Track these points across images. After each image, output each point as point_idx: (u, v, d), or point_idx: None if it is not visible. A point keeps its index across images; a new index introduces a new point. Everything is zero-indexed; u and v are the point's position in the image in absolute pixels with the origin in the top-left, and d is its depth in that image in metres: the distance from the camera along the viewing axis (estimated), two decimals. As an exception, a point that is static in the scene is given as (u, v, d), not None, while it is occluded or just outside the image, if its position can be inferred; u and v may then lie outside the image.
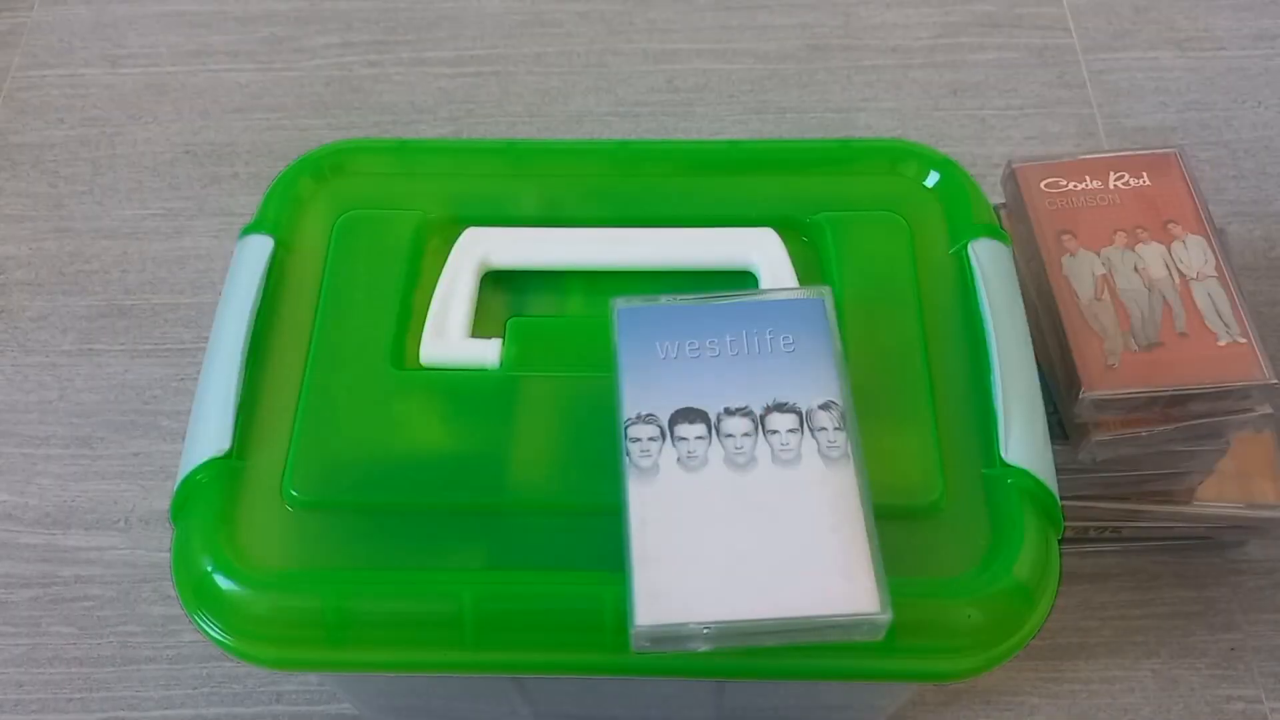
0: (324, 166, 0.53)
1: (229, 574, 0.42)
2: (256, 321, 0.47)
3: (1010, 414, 0.45)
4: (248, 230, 0.50)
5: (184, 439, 0.46)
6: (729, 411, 0.41)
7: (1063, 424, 0.54)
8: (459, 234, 0.50)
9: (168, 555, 0.44)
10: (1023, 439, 0.44)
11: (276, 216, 0.51)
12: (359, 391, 0.46)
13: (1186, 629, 0.62)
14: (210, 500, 0.43)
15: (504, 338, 0.47)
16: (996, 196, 0.59)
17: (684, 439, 0.41)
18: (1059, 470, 0.45)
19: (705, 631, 0.38)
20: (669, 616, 0.38)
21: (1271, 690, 0.61)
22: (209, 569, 0.42)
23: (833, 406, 0.41)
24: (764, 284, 0.48)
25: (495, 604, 0.42)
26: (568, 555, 0.42)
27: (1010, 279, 0.49)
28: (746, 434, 0.41)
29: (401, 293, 0.49)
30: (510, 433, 0.45)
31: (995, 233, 0.50)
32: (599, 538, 0.43)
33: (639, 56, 0.86)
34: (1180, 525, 0.61)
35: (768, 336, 0.43)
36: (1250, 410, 0.53)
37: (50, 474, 0.69)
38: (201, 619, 0.42)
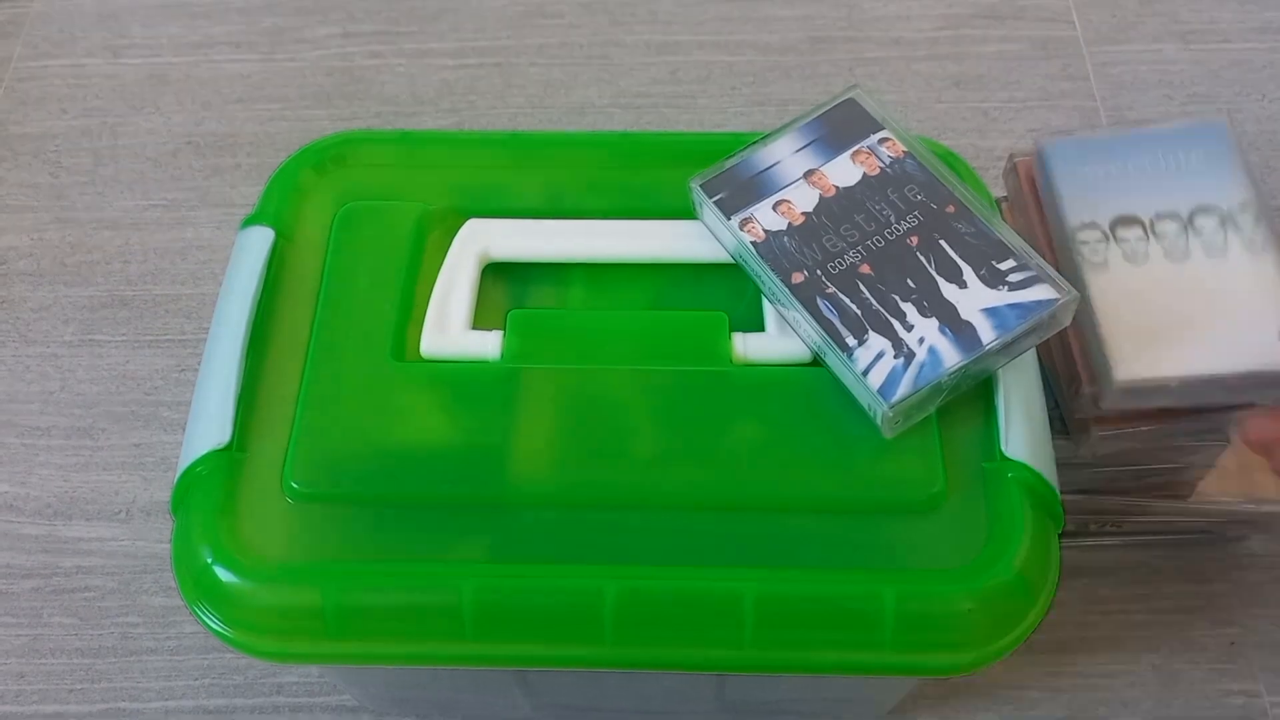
0: (325, 158, 0.53)
1: (229, 566, 0.42)
2: (257, 313, 0.47)
3: (1010, 407, 0.45)
4: (249, 221, 0.50)
5: (185, 430, 0.46)
6: (1160, 215, 0.50)
7: (1064, 418, 0.54)
8: (460, 225, 0.50)
9: (168, 546, 0.44)
10: (1023, 433, 0.44)
11: (278, 208, 0.51)
12: (360, 384, 0.46)
13: (1187, 623, 0.62)
14: (211, 492, 0.43)
15: (505, 330, 0.47)
16: (999, 189, 0.59)
17: (1125, 239, 0.50)
18: (1060, 464, 0.45)
19: (1174, 385, 0.47)
20: (1144, 372, 0.47)
21: (1272, 685, 0.61)
22: (209, 560, 0.42)
23: (1249, 206, 0.50)
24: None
25: (495, 596, 0.42)
26: (568, 548, 0.42)
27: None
28: (1177, 234, 0.50)
29: (402, 284, 0.48)
30: (511, 425, 0.44)
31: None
32: (600, 531, 0.43)
33: (641, 48, 0.86)
34: (1181, 520, 0.61)
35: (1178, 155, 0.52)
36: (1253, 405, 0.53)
37: (51, 464, 0.69)
38: (202, 610, 0.42)
